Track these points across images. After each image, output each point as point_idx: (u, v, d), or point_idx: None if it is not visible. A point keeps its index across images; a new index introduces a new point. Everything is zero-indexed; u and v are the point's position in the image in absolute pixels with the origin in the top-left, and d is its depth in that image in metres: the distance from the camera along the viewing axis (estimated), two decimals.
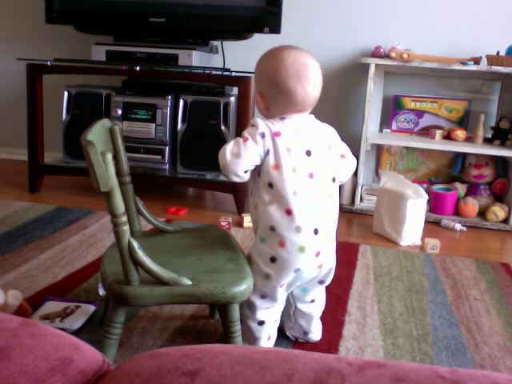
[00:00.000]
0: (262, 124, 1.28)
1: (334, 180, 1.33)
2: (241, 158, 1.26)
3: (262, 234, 1.30)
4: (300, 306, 1.44)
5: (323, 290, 1.47)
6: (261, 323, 1.37)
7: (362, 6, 2.84)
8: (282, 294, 1.35)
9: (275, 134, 1.26)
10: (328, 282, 1.41)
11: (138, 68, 2.50)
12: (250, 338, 1.37)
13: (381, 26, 2.82)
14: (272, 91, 1.30)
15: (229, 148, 1.27)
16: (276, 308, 1.38)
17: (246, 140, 1.26)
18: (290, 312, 1.46)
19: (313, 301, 1.45)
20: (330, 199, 1.33)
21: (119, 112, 2.63)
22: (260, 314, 1.36)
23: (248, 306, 1.36)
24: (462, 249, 2.34)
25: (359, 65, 2.72)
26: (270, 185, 1.27)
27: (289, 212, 1.25)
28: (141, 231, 1.49)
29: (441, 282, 1.94)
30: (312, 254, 1.29)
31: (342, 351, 1.46)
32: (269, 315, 1.37)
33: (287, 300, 1.42)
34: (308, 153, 1.29)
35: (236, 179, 1.30)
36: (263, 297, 1.35)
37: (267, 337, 1.39)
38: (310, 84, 1.29)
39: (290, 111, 1.31)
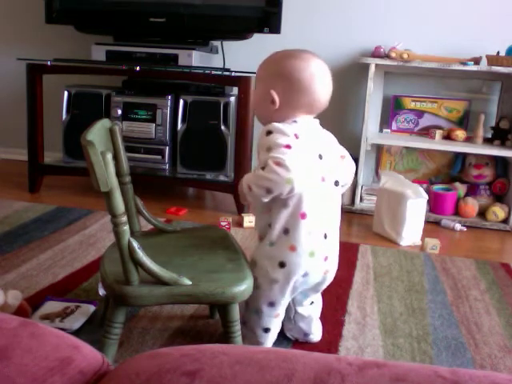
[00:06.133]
0: (285, 127, 1.23)
1: (337, 184, 1.33)
2: (297, 164, 1.19)
3: (272, 238, 1.28)
4: (300, 309, 1.44)
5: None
6: (266, 330, 1.36)
7: (362, 6, 2.84)
8: (287, 299, 1.35)
9: (295, 136, 1.24)
10: (326, 285, 1.41)
11: (137, 68, 2.50)
12: (254, 342, 1.37)
13: (381, 26, 2.82)
14: (293, 91, 1.27)
15: (287, 161, 1.16)
16: (282, 315, 1.38)
17: (289, 147, 1.19)
18: (290, 315, 1.46)
19: (312, 303, 1.45)
20: (336, 203, 1.33)
21: (119, 112, 2.63)
22: (266, 322, 1.35)
23: (255, 312, 1.35)
24: (462, 249, 2.34)
25: (359, 65, 2.72)
26: None
27: (303, 215, 1.24)
28: (141, 231, 1.49)
29: (441, 282, 1.94)
30: (321, 258, 1.29)
31: (342, 351, 1.46)
32: (276, 324, 1.37)
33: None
34: (320, 156, 1.28)
35: (298, 189, 1.20)
36: (271, 304, 1.33)
37: (271, 341, 1.39)
38: (329, 88, 1.30)
39: (302, 112, 1.29)
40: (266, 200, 1.23)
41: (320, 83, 1.28)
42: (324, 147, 1.30)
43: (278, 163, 1.16)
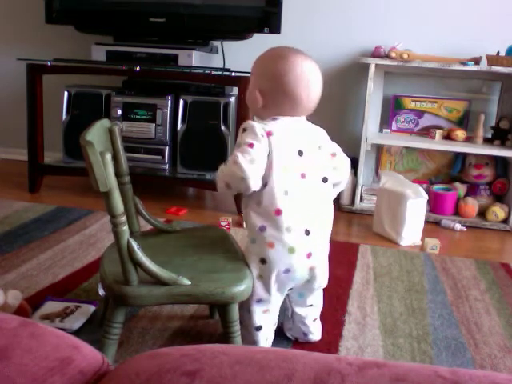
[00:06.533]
0: (257, 125, 1.26)
1: (325, 180, 1.32)
2: (256, 163, 1.22)
3: (252, 235, 1.30)
4: (297, 309, 1.44)
5: (320, 293, 1.46)
6: (258, 328, 1.36)
7: (362, 5, 2.84)
8: (276, 296, 1.34)
9: (268, 134, 1.25)
10: (324, 285, 1.40)
11: (137, 68, 2.50)
12: (249, 340, 1.37)
13: (381, 26, 2.82)
14: (277, 93, 1.28)
15: (241, 159, 1.21)
16: (272, 311, 1.37)
17: (252, 145, 1.23)
18: (288, 314, 1.46)
19: (311, 305, 1.44)
20: (322, 200, 1.32)
21: (119, 112, 2.63)
22: (257, 319, 1.35)
23: (247, 310, 1.35)
24: (462, 249, 2.34)
25: (359, 65, 2.72)
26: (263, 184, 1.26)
27: (278, 212, 1.24)
28: (140, 231, 1.49)
29: (441, 282, 1.94)
30: (303, 255, 1.28)
31: (342, 351, 1.46)
32: (266, 320, 1.36)
33: (285, 302, 1.42)
34: (300, 153, 1.28)
35: (256, 188, 1.24)
36: (259, 301, 1.34)
37: (265, 338, 1.38)
38: (315, 93, 1.30)
39: (288, 114, 1.30)
40: (230, 192, 1.30)
41: (304, 87, 1.27)
42: (306, 144, 1.30)
43: (235, 161, 1.22)
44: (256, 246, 1.29)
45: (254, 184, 1.23)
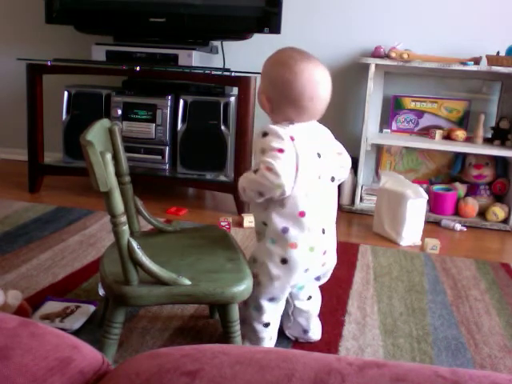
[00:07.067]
0: (280, 130, 1.24)
1: (333, 180, 1.34)
2: (289, 168, 1.21)
3: (272, 236, 1.29)
4: (298, 303, 1.45)
5: (317, 286, 1.48)
6: (266, 325, 1.37)
7: (362, 5, 2.84)
8: (286, 294, 1.37)
9: (291, 138, 1.25)
10: (325, 279, 1.42)
11: (138, 68, 2.50)
12: (254, 338, 1.38)
13: (381, 26, 2.82)
14: (282, 101, 1.28)
15: (276, 166, 1.19)
16: (281, 308, 1.39)
17: (282, 151, 1.21)
18: (288, 311, 1.46)
19: (310, 297, 1.46)
20: (332, 199, 1.35)
21: (119, 112, 2.63)
22: (266, 316, 1.36)
23: (255, 308, 1.36)
24: (462, 249, 2.34)
25: (359, 65, 2.72)
26: None
27: (302, 214, 1.26)
28: (140, 231, 1.49)
29: (441, 282, 1.94)
30: (320, 253, 1.31)
31: (342, 351, 1.46)
32: (274, 316, 1.38)
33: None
34: (319, 155, 1.29)
35: (290, 192, 1.23)
36: (271, 300, 1.35)
37: (270, 337, 1.39)
38: (322, 101, 1.28)
39: (295, 120, 1.30)
40: (259, 201, 1.27)
41: (308, 98, 1.26)
42: (322, 146, 1.31)
43: (269, 168, 1.20)
44: (277, 246, 1.29)
45: (289, 189, 1.22)
